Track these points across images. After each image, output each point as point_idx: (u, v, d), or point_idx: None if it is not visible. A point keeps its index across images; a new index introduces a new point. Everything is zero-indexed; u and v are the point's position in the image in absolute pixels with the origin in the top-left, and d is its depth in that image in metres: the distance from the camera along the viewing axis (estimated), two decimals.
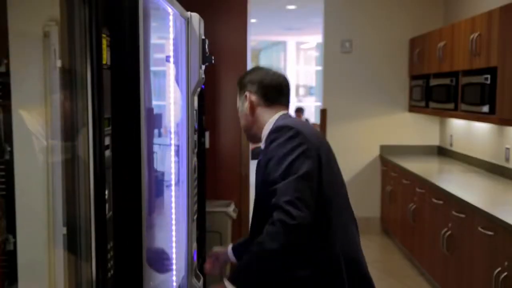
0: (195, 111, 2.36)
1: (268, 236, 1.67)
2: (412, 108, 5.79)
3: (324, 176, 1.79)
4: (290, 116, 1.98)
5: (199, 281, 2.36)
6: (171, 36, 2.11)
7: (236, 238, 4.17)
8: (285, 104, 1.99)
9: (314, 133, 1.90)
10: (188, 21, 2.18)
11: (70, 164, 1.34)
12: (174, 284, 2.20)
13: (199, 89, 2.37)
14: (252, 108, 1.96)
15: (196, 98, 2.37)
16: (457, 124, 5.33)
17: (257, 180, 1.88)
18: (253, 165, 2.20)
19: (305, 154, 1.74)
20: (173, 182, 2.20)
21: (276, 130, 1.82)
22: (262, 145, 1.94)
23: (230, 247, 2.13)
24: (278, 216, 1.65)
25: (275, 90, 1.96)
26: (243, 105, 1.99)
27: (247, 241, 2.03)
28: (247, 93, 1.96)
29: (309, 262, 1.77)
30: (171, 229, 2.20)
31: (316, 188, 1.74)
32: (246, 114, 1.98)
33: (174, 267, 2.21)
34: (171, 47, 2.13)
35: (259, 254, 1.71)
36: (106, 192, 1.35)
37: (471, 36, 4.05)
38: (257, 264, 1.73)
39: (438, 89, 4.85)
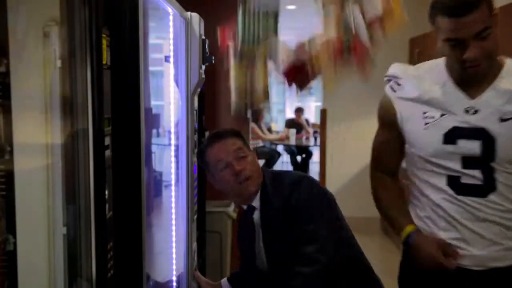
0: (195, 111, 2.36)
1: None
2: None
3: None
4: None
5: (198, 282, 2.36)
6: (171, 36, 2.11)
7: (236, 238, 4.16)
8: None
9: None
10: (188, 21, 2.18)
11: (70, 164, 1.35)
12: (174, 284, 2.20)
13: (199, 89, 2.37)
14: None
15: (196, 98, 2.37)
16: None
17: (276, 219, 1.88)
18: None
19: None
20: (172, 182, 2.20)
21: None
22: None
23: (224, 280, 2.18)
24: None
25: None
26: (254, 154, 1.97)
27: (242, 271, 2.17)
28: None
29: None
30: (171, 229, 2.20)
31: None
32: (256, 163, 1.96)
33: (174, 267, 2.21)
34: (171, 47, 2.13)
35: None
36: (106, 192, 1.35)
37: None
38: None
39: None
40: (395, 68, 1.83)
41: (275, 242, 1.89)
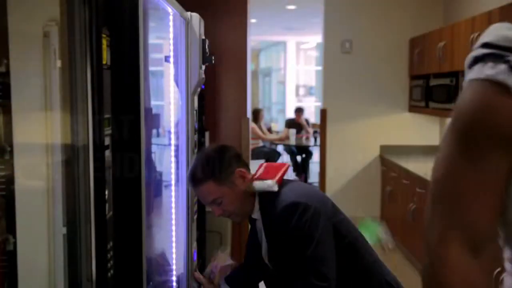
0: (195, 111, 2.36)
1: None
2: (412, 108, 5.79)
3: (337, 224, 1.92)
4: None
5: (198, 283, 2.36)
6: (171, 36, 2.11)
7: (236, 239, 4.16)
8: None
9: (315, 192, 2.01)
10: (188, 21, 2.18)
11: (70, 164, 1.35)
12: (174, 284, 2.20)
13: (199, 89, 2.37)
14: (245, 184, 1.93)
15: (196, 98, 2.37)
16: None
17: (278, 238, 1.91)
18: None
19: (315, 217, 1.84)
20: (173, 182, 2.20)
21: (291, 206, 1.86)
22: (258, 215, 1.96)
23: (222, 282, 2.18)
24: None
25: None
26: (233, 187, 1.91)
27: (240, 271, 2.20)
28: (237, 173, 1.91)
29: None
30: (171, 229, 2.20)
31: (334, 238, 1.88)
32: (238, 194, 1.92)
33: (174, 267, 2.21)
34: (171, 47, 2.13)
35: None
36: (106, 192, 1.35)
37: (471, 36, 4.05)
38: None
39: (438, 89, 4.85)
40: (507, 31, 0.90)
41: (277, 247, 1.94)
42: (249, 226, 2.12)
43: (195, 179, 1.91)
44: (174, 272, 2.21)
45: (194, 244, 2.39)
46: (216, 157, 1.92)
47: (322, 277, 1.80)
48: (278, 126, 11.25)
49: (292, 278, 1.85)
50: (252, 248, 2.10)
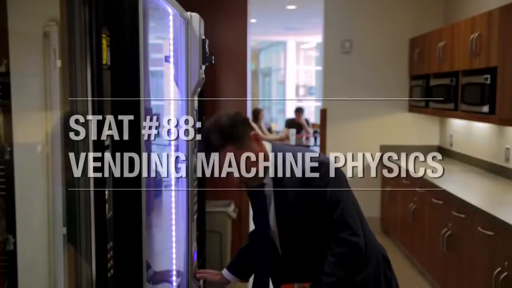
0: (195, 111, 2.36)
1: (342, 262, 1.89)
2: (412, 108, 5.79)
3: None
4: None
5: (198, 281, 2.36)
6: (171, 36, 2.11)
7: (236, 238, 4.16)
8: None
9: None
10: (188, 21, 2.18)
11: (70, 164, 1.35)
12: (174, 284, 2.20)
13: (199, 89, 2.37)
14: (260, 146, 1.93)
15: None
16: (457, 124, 5.33)
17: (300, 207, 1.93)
18: None
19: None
20: (173, 182, 2.20)
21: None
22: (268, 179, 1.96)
23: (225, 270, 2.18)
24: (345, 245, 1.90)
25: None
26: (250, 150, 1.88)
27: (240, 259, 2.19)
28: (252, 135, 1.90)
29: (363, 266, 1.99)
30: (171, 229, 2.20)
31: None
32: (255, 157, 1.90)
33: (174, 267, 2.21)
34: (171, 47, 2.13)
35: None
36: (106, 192, 1.35)
37: (471, 36, 4.05)
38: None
39: (438, 89, 4.85)
40: None
41: (287, 210, 1.94)
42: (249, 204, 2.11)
43: (213, 146, 1.86)
44: (175, 273, 2.21)
45: (194, 244, 2.39)
46: (230, 121, 1.89)
47: (353, 233, 1.89)
48: (278, 126, 11.25)
49: (319, 239, 1.90)
50: (259, 220, 2.06)
